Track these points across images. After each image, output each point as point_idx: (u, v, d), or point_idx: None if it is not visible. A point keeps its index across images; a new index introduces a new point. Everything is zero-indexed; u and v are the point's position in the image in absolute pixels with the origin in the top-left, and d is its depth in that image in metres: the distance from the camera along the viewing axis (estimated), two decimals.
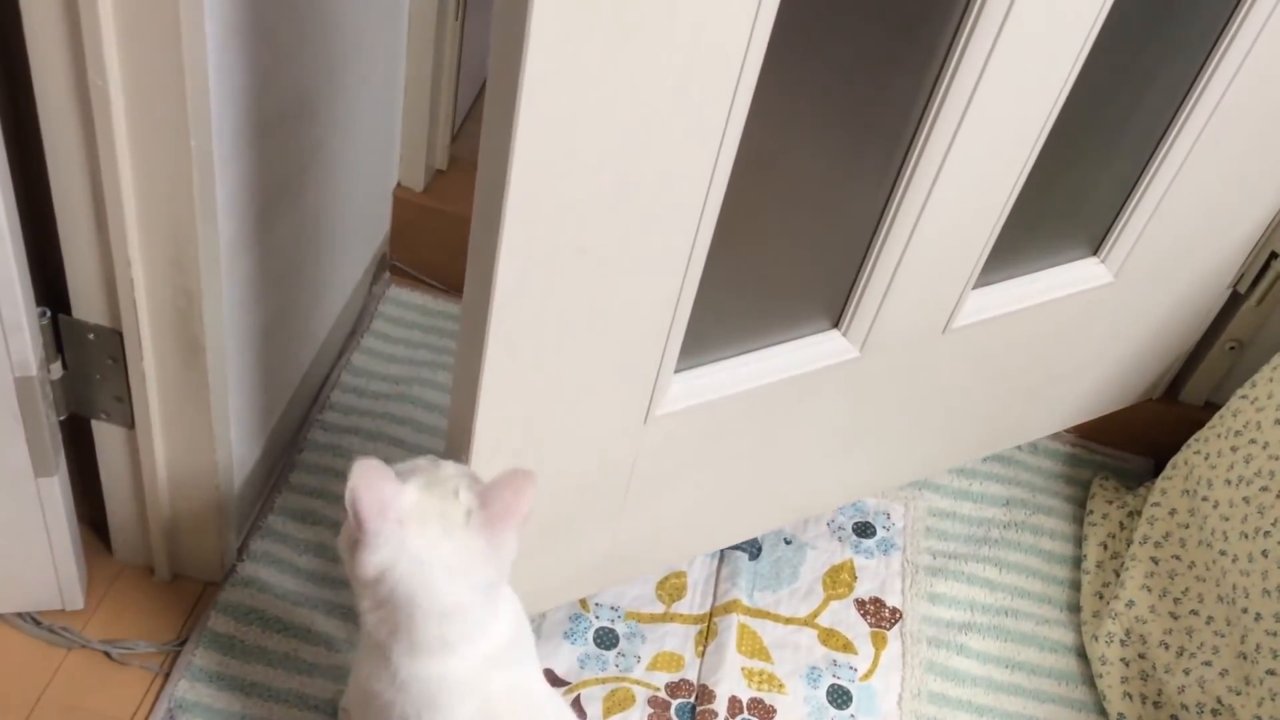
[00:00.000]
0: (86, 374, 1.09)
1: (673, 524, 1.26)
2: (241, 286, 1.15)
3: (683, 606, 1.35)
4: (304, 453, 1.41)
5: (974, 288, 1.21)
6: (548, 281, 0.89)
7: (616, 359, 1.00)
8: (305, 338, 1.42)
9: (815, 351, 1.17)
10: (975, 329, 1.25)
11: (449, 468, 0.94)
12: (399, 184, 1.61)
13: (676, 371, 1.08)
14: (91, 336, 1.06)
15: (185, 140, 0.91)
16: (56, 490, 1.12)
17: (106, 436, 1.15)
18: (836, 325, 1.17)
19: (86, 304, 1.04)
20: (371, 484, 0.87)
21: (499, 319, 0.88)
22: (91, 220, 0.97)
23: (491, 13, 0.74)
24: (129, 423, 1.12)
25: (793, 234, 1.09)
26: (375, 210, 1.57)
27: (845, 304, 1.15)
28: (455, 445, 1.00)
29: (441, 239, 1.61)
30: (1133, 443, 1.62)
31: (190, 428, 1.13)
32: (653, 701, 1.27)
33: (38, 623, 1.22)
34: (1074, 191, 1.23)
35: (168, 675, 1.21)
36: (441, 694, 0.93)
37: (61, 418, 1.10)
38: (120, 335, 1.05)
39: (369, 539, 0.87)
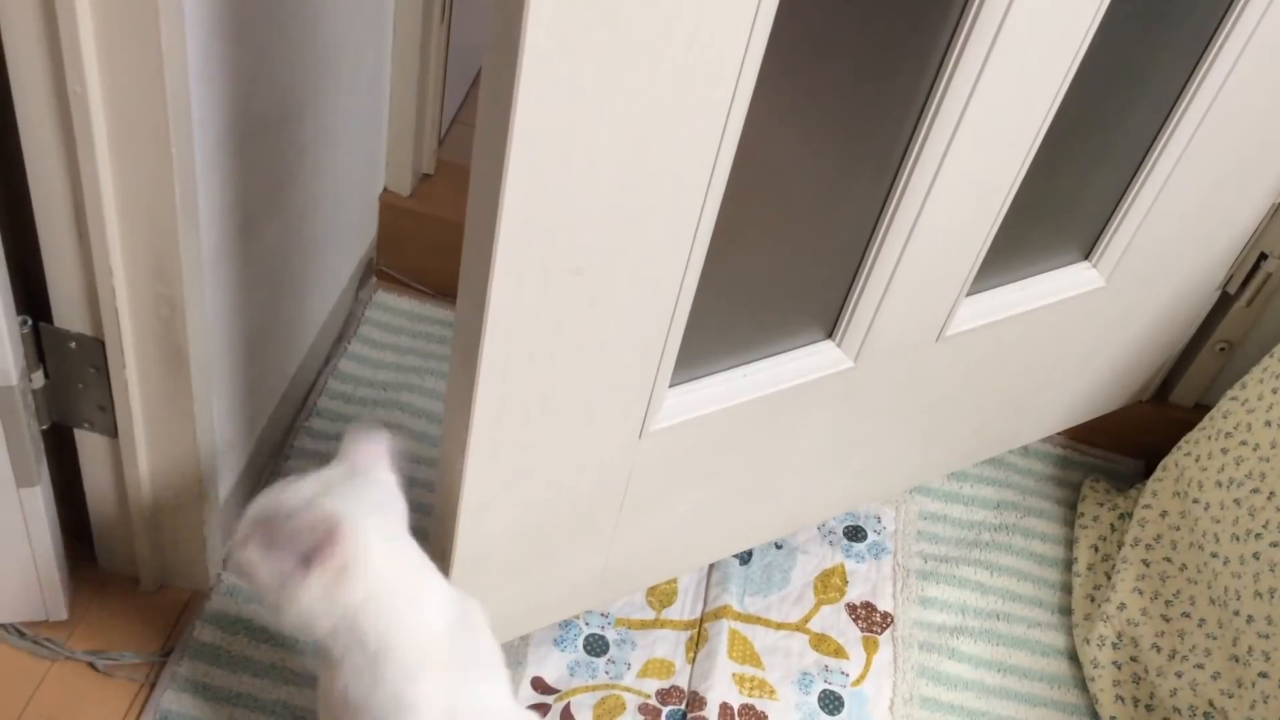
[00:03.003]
0: (69, 383, 1.08)
1: (667, 539, 1.26)
2: (225, 293, 1.14)
3: (673, 612, 1.34)
4: (291, 460, 1.40)
5: (967, 295, 1.20)
6: (542, 303, 0.88)
7: (611, 376, 0.99)
8: (291, 344, 1.41)
9: (810, 363, 1.16)
10: (969, 336, 1.25)
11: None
12: (385, 189, 1.60)
13: (671, 386, 1.07)
14: (73, 345, 1.04)
15: (167, 147, 0.90)
16: (39, 501, 1.11)
17: (90, 446, 1.14)
18: (831, 336, 1.17)
19: (68, 312, 1.03)
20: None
21: (492, 340, 0.87)
22: (72, 228, 0.96)
23: (478, 18, 0.73)
24: (112, 432, 1.11)
25: (787, 246, 1.08)
26: (361, 215, 1.56)
27: (839, 315, 1.15)
28: (449, 462, 0.99)
29: (428, 244, 1.60)
30: (1123, 444, 1.62)
31: (174, 436, 1.12)
32: (643, 709, 1.26)
33: (21, 634, 1.21)
34: (1066, 196, 1.23)
35: (153, 686, 1.20)
36: (399, 684, 0.90)
37: (44, 427, 1.09)
38: (102, 344, 1.04)
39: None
